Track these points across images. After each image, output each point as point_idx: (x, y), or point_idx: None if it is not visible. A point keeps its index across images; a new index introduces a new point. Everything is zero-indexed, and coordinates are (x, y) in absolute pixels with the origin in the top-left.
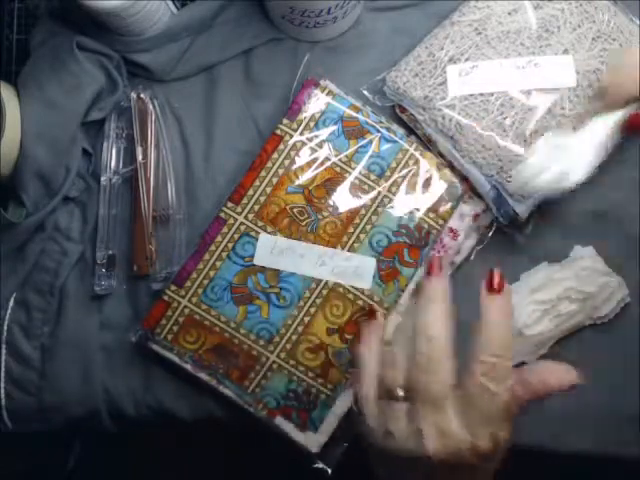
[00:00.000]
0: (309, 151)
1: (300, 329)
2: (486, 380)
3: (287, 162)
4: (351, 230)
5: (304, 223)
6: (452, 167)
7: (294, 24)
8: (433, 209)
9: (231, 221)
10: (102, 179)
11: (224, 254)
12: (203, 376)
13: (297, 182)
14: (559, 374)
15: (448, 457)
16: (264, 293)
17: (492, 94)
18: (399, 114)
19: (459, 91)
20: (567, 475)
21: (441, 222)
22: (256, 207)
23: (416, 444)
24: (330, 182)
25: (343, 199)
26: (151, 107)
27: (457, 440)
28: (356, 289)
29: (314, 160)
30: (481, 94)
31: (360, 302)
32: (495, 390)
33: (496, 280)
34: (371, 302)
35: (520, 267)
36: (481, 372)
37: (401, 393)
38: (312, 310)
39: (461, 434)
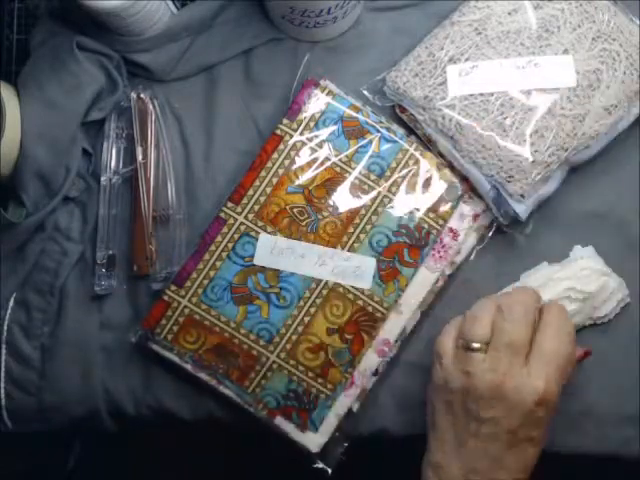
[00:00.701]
0: (309, 151)
1: (300, 329)
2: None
3: (287, 162)
4: (351, 230)
5: (304, 223)
6: (452, 167)
7: (294, 24)
8: (433, 209)
9: (231, 221)
10: (102, 179)
11: (224, 254)
12: (203, 376)
13: (297, 182)
14: None
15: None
16: (264, 293)
17: (492, 94)
18: (399, 114)
19: (459, 91)
20: (567, 475)
21: (441, 222)
22: (256, 207)
23: (492, 379)
24: (330, 182)
25: (343, 199)
26: (151, 107)
27: (532, 381)
28: (356, 289)
29: (314, 160)
30: (481, 94)
31: (360, 302)
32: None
33: None
34: (371, 302)
35: (520, 267)
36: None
37: (477, 345)
38: (312, 310)
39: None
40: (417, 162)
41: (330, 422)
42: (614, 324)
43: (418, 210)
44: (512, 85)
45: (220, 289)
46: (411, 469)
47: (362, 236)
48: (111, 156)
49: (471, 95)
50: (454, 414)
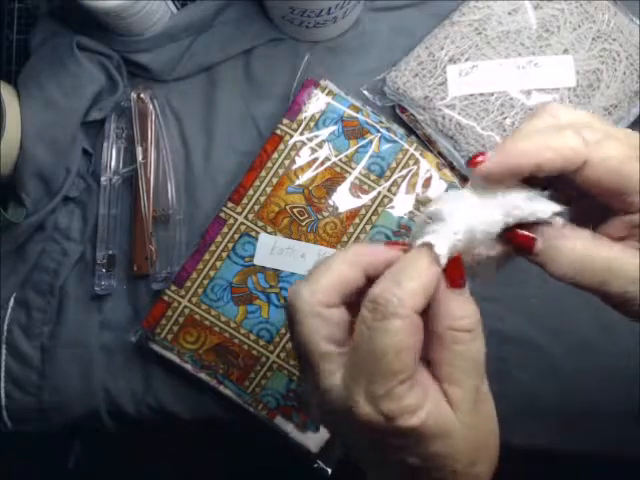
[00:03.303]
0: (309, 151)
1: None
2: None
3: (287, 162)
4: (351, 230)
5: (304, 223)
6: (452, 167)
7: (294, 24)
8: None
9: (231, 221)
10: (102, 179)
11: (224, 254)
12: (203, 376)
13: (297, 182)
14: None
15: (328, 422)
16: (264, 293)
17: (492, 94)
18: (399, 114)
19: (459, 91)
20: (567, 475)
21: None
22: (256, 207)
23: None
24: (330, 182)
25: (343, 199)
26: (151, 107)
27: (333, 400)
28: None
29: (314, 160)
30: (481, 94)
31: None
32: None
33: None
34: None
35: (520, 265)
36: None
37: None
38: None
39: (338, 393)
40: (417, 162)
41: None
42: (614, 324)
43: (418, 210)
44: (512, 85)
45: (220, 289)
46: None
47: (362, 236)
48: (111, 156)
49: (471, 95)
50: None
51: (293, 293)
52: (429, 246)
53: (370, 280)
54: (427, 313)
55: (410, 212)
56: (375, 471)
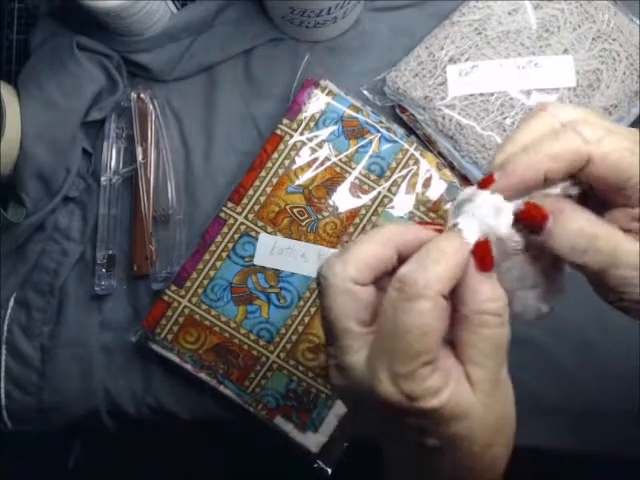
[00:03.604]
0: (309, 151)
1: (300, 329)
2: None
3: (287, 162)
4: (351, 230)
5: (304, 223)
6: (452, 167)
7: (294, 24)
8: (433, 209)
9: (231, 221)
10: (102, 179)
11: (224, 254)
12: (203, 376)
13: (297, 182)
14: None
15: (346, 398)
16: (264, 293)
17: (492, 94)
18: (399, 114)
19: (459, 91)
20: (567, 475)
21: (441, 222)
22: (256, 207)
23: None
24: (330, 182)
25: (343, 199)
26: (151, 107)
27: (355, 377)
28: None
29: (314, 160)
30: (481, 94)
31: None
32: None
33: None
34: None
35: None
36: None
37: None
38: (312, 310)
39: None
40: (417, 162)
41: (330, 422)
42: (614, 324)
43: (418, 210)
44: (512, 85)
45: (220, 289)
46: None
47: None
48: (111, 156)
49: (471, 95)
50: None
51: (326, 267)
52: (458, 230)
53: (402, 260)
54: (453, 295)
55: (410, 212)
56: (391, 449)
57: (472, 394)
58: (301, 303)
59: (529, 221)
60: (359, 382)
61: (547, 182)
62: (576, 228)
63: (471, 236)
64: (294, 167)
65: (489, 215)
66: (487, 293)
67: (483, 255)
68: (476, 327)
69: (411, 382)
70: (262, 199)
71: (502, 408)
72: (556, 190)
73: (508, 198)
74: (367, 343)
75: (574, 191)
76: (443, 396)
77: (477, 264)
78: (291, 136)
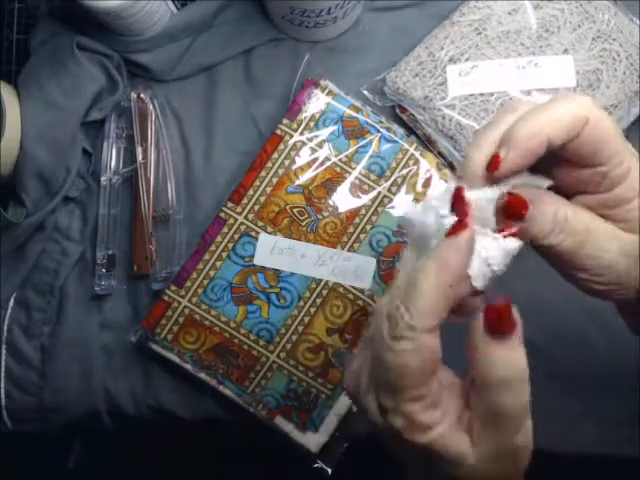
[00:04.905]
0: (309, 151)
1: (300, 329)
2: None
3: (287, 162)
4: (351, 230)
5: (304, 223)
6: (452, 167)
7: (294, 24)
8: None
9: (231, 221)
10: (102, 179)
11: (224, 254)
12: (203, 376)
13: (297, 182)
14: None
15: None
16: (264, 293)
17: (492, 94)
18: (399, 114)
19: (459, 91)
20: (567, 475)
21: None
22: (256, 207)
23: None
24: (330, 182)
25: (343, 199)
26: (151, 107)
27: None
28: (356, 289)
29: (314, 160)
30: (481, 94)
31: (360, 302)
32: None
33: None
34: (371, 302)
35: (520, 264)
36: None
37: None
38: (312, 310)
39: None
40: (417, 162)
41: (330, 422)
42: (614, 324)
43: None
44: (512, 85)
45: (220, 289)
46: None
47: (362, 236)
48: (111, 156)
49: (471, 95)
50: None
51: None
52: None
53: None
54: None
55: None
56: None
57: (467, 443)
58: (301, 303)
59: (513, 210)
60: (359, 403)
61: (549, 149)
62: (553, 210)
63: (478, 281)
64: (294, 167)
65: (496, 257)
66: (496, 358)
67: (495, 320)
68: (478, 390)
69: (394, 415)
70: (262, 199)
71: (508, 468)
72: (520, 180)
73: (505, 177)
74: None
75: (544, 184)
76: (433, 434)
77: (486, 328)
78: (291, 136)
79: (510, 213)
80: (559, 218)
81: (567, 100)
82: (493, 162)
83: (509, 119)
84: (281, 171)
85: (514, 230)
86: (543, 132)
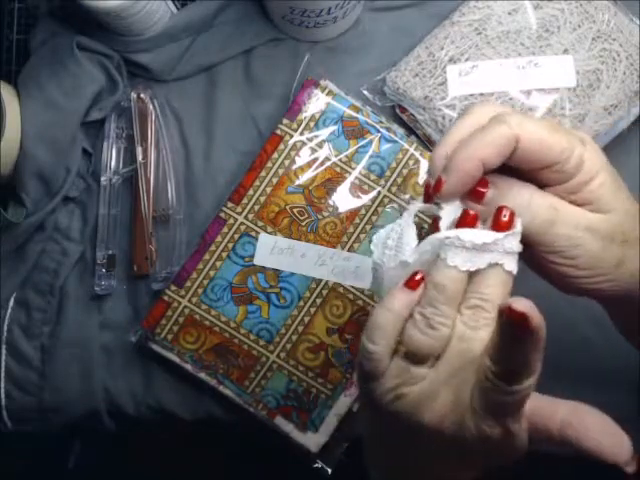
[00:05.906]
0: (309, 151)
1: (300, 329)
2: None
3: (287, 162)
4: (351, 230)
5: (304, 223)
6: None
7: (294, 24)
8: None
9: (231, 221)
10: (102, 179)
11: (224, 254)
12: (203, 376)
13: (297, 182)
14: (614, 441)
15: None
16: (264, 293)
17: (492, 94)
18: (399, 114)
19: (459, 91)
20: (567, 475)
21: None
22: (256, 207)
23: (429, 409)
24: (330, 182)
25: (343, 199)
26: (151, 107)
27: (464, 412)
28: (356, 289)
29: (314, 160)
30: (481, 94)
31: (360, 302)
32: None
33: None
34: (371, 302)
35: (521, 266)
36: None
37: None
38: (312, 310)
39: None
40: (417, 162)
41: (330, 422)
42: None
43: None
44: (512, 85)
45: (220, 289)
46: None
47: (362, 236)
48: (111, 156)
49: (471, 95)
50: None
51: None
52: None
53: None
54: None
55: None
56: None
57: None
58: (301, 303)
59: (474, 189)
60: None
61: (486, 169)
62: (515, 192)
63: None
64: (294, 167)
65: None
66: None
67: None
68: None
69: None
70: (262, 199)
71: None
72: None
73: (452, 198)
74: None
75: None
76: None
77: None
78: (291, 136)
79: (471, 191)
80: (523, 199)
81: (498, 123)
82: (436, 185)
83: (466, 122)
84: (281, 171)
85: (473, 213)
86: (477, 155)
